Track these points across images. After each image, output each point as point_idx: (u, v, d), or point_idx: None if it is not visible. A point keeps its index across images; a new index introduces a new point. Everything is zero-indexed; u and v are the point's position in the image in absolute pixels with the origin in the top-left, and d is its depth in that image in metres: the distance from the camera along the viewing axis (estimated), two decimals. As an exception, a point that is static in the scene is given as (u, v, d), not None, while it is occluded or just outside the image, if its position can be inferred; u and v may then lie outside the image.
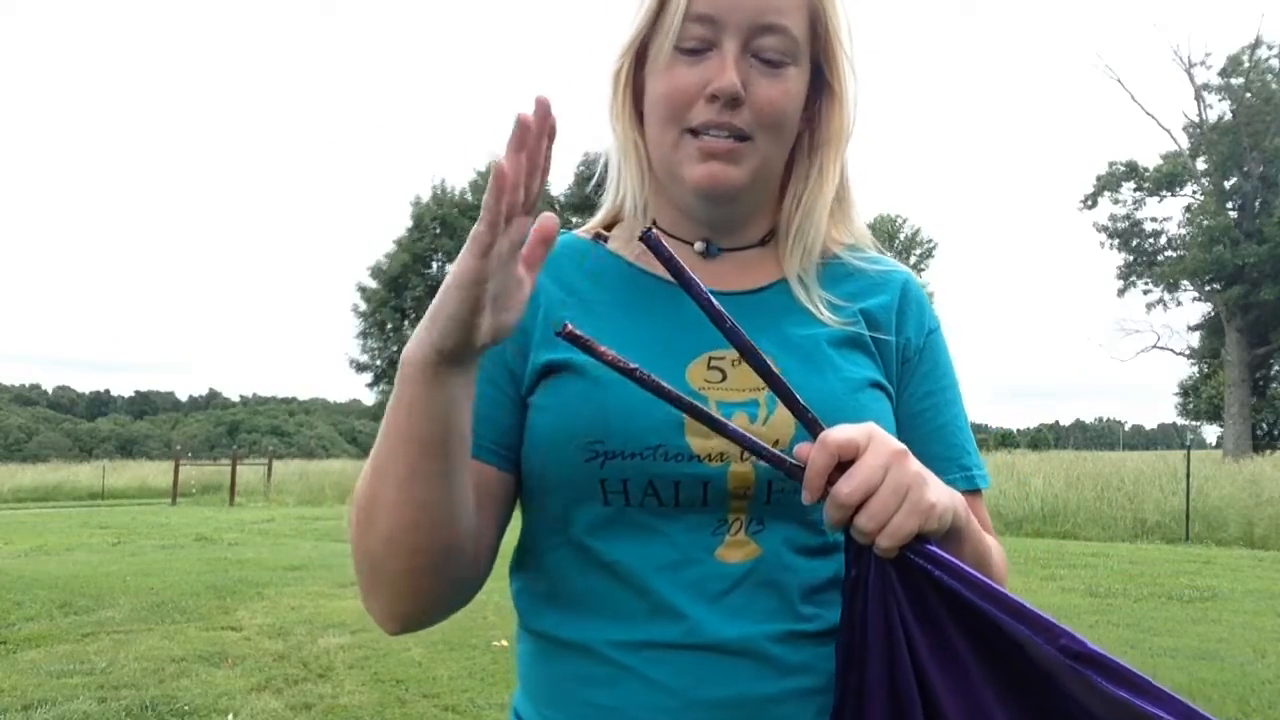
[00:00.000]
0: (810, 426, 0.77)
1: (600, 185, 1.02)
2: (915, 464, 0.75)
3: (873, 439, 0.74)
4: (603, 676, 0.84)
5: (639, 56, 0.93)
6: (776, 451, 0.78)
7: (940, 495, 0.76)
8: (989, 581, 0.76)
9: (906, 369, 0.97)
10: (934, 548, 0.75)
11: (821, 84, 0.95)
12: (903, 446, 0.75)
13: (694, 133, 0.89)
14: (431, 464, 0.77)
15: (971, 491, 0.95)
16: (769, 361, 0.78)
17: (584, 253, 0.98)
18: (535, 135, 0.71)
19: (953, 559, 0.76)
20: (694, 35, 0.87)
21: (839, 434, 0.74)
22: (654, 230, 0.76)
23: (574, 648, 0.87)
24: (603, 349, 0.76)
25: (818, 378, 0.88)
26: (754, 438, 0.78)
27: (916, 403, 0.96)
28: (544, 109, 0.71)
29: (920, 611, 0.76)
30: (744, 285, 0.96)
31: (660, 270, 0.93)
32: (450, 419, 0.76)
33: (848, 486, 0.72)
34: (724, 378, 0.88)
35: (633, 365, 0.76)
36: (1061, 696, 0.73)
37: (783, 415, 0.85)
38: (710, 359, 0.89)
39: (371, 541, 0.81)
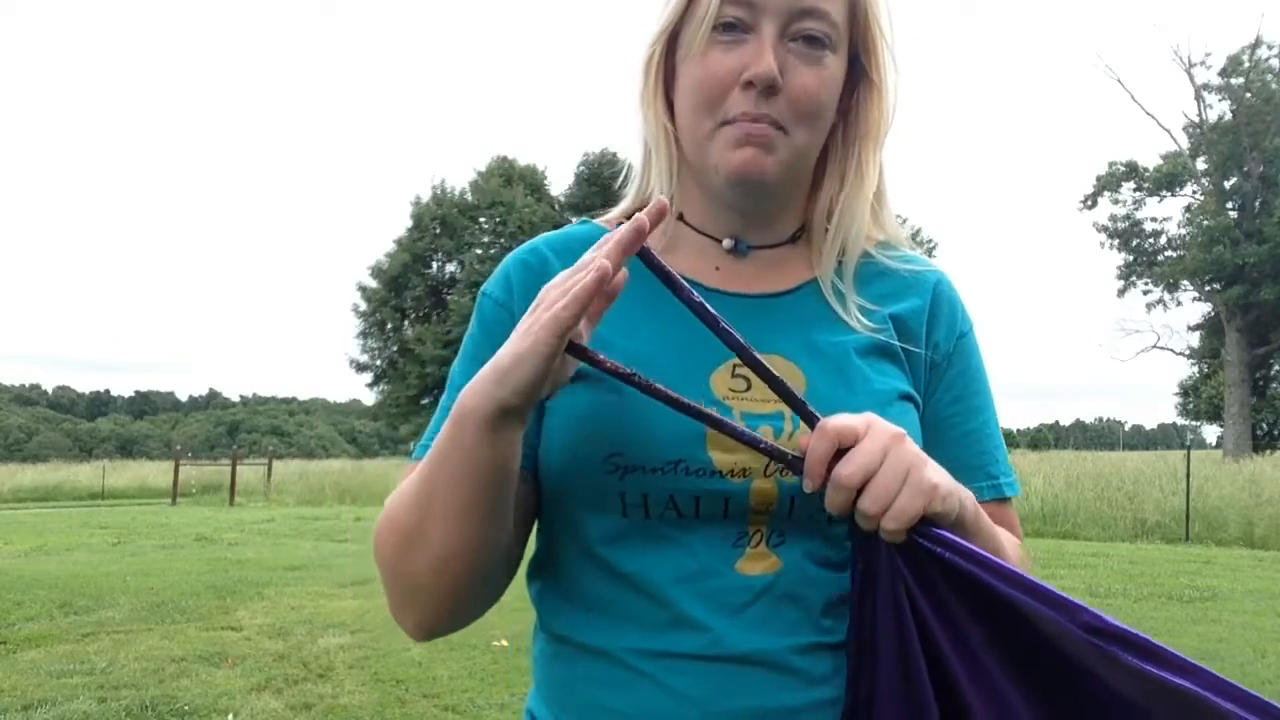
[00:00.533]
0: (811, 421, 0.78)
1: (625, 179, 1.00)
2: (914, 446, 0.75)
3: (871, 425, 0.74)
4: (620, 681, 0.84)
5: (670, 43, 0.91)
6: (777, 446, 0.78)
7: (943, 477, 0.75)
8: (1004, 563, 0.74)
9: (935, 374, 0.94)
10: (942, 531, 0.75)
11: (859, 74, 0.92)
12: (901, 430, 0.75)
13: (729, 122, 0.86)
14: (484, 503, 0.79)
15: (999, 500, 0.94)
16: (766, 363, 0.78)
17: None
18: (644, 237, 0.73)
19: (963, 541, 0.74)
20: (731, 17, 0.85)
21: (838, 420, 0.74)
22: (645, 245, 0.76)
23: (592, 651, 0.86)
24: (601, 358, 0.76)
25: (845, 391, 0.87)
26: (753, 434, 0.78)
27: (944, 409, 0.94)
28: (661, 212, 0.74)
29: (934, 601, 0.74)
30: (773, 287, 0.94)
31: (685, 268, 0.92)
32: (507, 464, 0.78)
33: (847, 468, 0.73)
34: (749, 386, 0.86)
35: (630, 370, 0.76)
36: (1086, 675, 0.71)
37: (808, 430, 0.82)
38: (735, 366, 0.87)
39: (415, 566, 0.82)
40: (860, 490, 0.73)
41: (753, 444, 0.77)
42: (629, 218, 0.97)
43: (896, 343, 0.92)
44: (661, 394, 0.76)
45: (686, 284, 0.77)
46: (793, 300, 0.93)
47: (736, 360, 0.87)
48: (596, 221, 0.99)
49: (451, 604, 0.84)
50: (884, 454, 0.73)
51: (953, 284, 0.99)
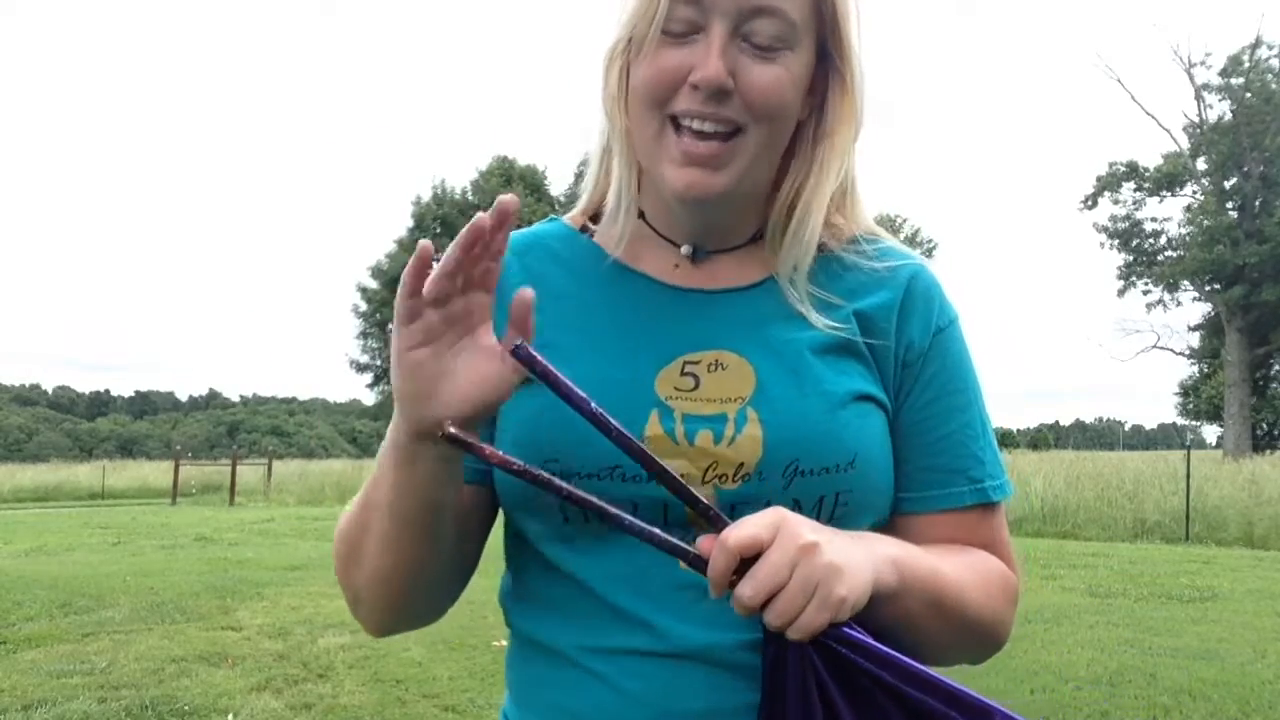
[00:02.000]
0: (714, 521, 0.74)
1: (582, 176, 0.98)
2: (827, 555, 0.71)
3: (780, 532, 0.70)
4: (570, 680, 0.84)
5: (631, 44, 0.86)
6: (677, 542, 0.74)
7: (852, 587, 0.71)
8: (915, 665, 0.72)
9: (908, 374, 0.90)
10: (851, 630, 0.72)
11: (829, 69, 0.88)
12: (814, 538, 0.71)
13: (676, 123, 0.83)
14: (414, 532, 0.81)
15: (983, 505, 0.90)
16: (660, 461, 0.76)
17: (564, 242, 0.95)
18: (488, 239, 0.72)
19: (873, 643, 0.72)
20: (680, 18, 0.82)
21: (741, 533, 0.70)
22: (522, 345, 0.73)
23: (547, 649, 0.86)
24: (480, 445, 0.73)
25: (795, 392, 0.84)
26: (660, 534, 0.74)
27: (918, 412, 0.90)
28: (501, 214, 0.72)
29: (850, 690, 0.72)
30: (731, 282, 0.91)
31: (644, 267, 0.92)
32: (431, 496, 0.79)
33: (749, 589, 0.70)
34: (696, 385, 0.84)
35: (521, 466, 0.74)
36: None
37: (750, 435, 0.81)
38: (685, 363, 0.85)
39: (355, 580, 0.86)
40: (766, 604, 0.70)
41: (651, 540, 0.74)
42: (594, 218, 0.97)
43: (860, 339, 0.88)
44: (555, 486, 0.74)
45: (570, 383, 0.74)
46: (752, 295, 0.91)
47: (688, 357, 0.86)
48: (564, 219, 0.99)
49: (394, 614, 0.88)
50: (791, 568, 0.69)
51: (933, 277, 0.94)
